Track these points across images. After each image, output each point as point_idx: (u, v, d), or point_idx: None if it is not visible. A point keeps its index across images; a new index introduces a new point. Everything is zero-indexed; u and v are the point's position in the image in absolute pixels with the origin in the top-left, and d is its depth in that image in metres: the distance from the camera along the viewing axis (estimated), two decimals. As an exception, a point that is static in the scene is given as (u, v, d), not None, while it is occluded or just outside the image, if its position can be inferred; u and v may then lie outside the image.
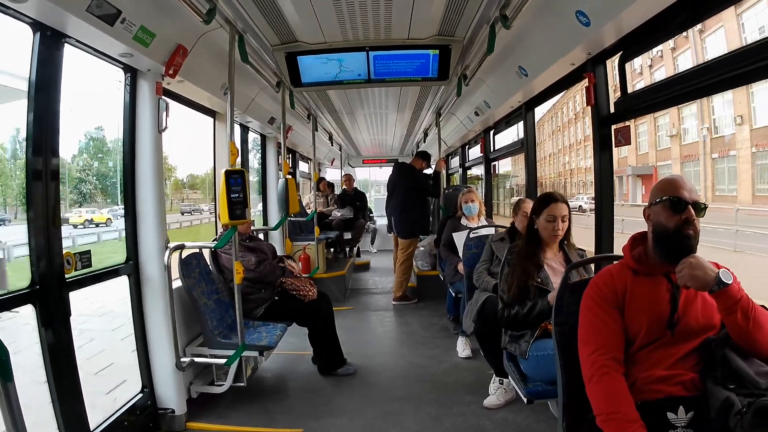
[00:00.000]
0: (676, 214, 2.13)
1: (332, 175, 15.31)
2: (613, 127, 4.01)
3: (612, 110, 4.00)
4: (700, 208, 2.14)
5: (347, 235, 10.31)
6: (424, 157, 8.11)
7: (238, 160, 3.94)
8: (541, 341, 3.21)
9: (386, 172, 8.69)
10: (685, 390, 2.10)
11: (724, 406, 1.92)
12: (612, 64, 3.98)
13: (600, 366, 2.14)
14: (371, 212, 13.81)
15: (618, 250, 2.68)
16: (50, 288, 2.95)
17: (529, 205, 4.46)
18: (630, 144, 3.92)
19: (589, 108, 4.17)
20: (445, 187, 8.57)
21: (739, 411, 1.87)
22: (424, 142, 11.12)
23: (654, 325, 2.18)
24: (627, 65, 3.78)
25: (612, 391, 2.09)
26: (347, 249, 10.55)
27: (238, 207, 3.68)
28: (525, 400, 3.17)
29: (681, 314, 2.18)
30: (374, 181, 22.67)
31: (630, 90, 3.78)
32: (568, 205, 3.46)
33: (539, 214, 3.44)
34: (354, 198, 11.10)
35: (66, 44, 3.04)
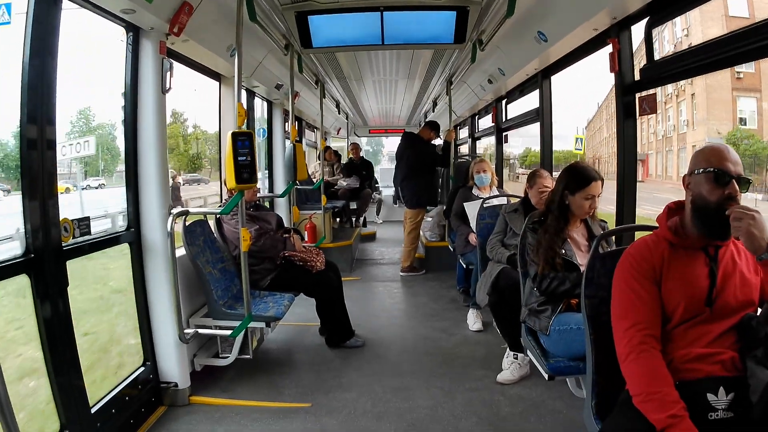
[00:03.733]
0: (719, 187, 1.99)
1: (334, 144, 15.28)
2: (638, 95, 3.85)
3: (637, 78, 3.83)
4: (744, 183, 2.00)
5: (353, 205, 10.27)
6: (433, 127, 7.98)
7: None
8: (563, 315, 3.08)
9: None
10: (725, 370, 1.99)
11: None
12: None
13: (637, 343, 2.01)
14: (377, 182, 13.70)
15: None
16: (46, 257, 2.80)
17: (546, 179, 4.33)
18: (655, 113, 3.78)
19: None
20: (453, 157, 8.44)
21: None
22: (433, 111, 11.00)
23: (692, 302, 2.06)
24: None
25: (651, 369, 1.97)
26: (353, 219, 10.49)
27: (245, 170, 3.54)
28: (546, 376, 3.06)
29: (719, 290, 2.07)
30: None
31: (657, 57, 3.61)
32: (603, 182, 3.31)
33: (575, 191, 3.25)
34: (360, 167, 11.00)
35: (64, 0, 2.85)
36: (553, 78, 5.58)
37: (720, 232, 2.00)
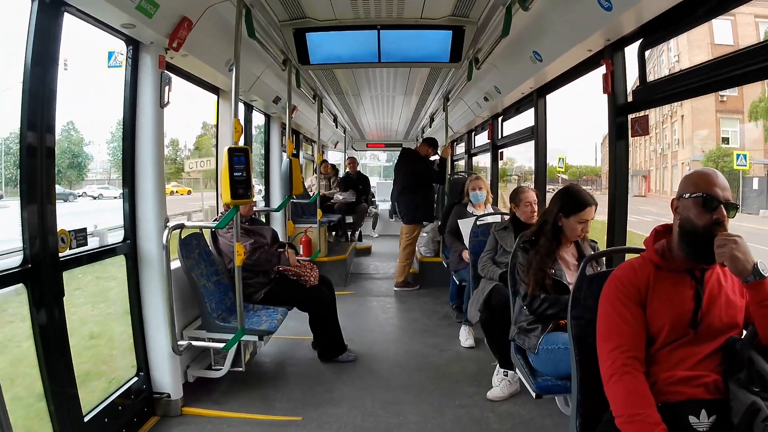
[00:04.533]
0: (707, 212, 2.02)
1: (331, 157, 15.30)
2: (630, 116, 3.88)
3: (630, 99, 3.87)
4: (732, 208, 2.03)
5: (349, 219, 10.25)
6: (431, 143, 7.99)
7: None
8: (552, 335, 3.11)
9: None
10: (708, 392, 2.02)
11: (750, 411, 1.83)
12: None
13: (621, 365, 2.04)
14: (374, 196, 13.70)
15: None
16: (43, 267, 2.82)
17: (528, 193, 4.42)
18: (648, 134, 3.82)
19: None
20: (449, 173, 8.46)
21: (767, 417, 1.78)
22: (430, 127, 11.00)
23: (677, 324, 2.09)
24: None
25: (633, 391, 1.99)
26: (349, 233, 10.47)
27: (240, 186, 3.57)
28: (534, 394, 3.08)
29: (705, 312, 2.09)
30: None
31: (649, 79, 3.65)
32: (596, 206, 3.35)
33: (569, 215, 3.29)
34: (357, 181, 11.01)
35: (66, 13, 2.90)
36: (570, 91, 5.59)
37: (706, 256, 2.01)
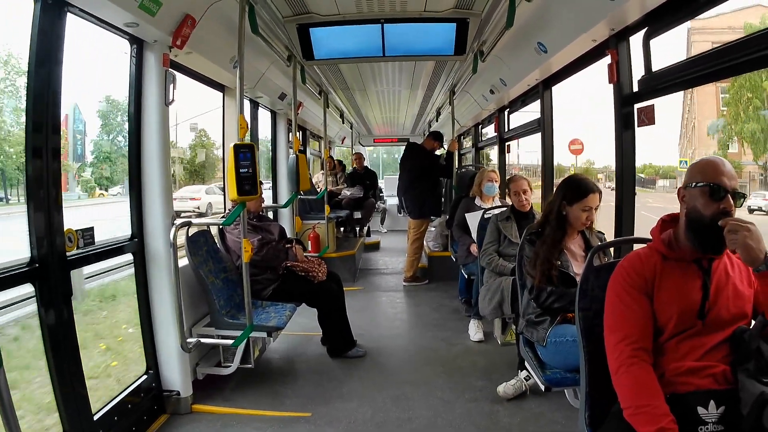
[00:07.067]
0: (714, 202, 1.99)
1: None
2: (636, 106, 3.85)
3: (635, 89, 3.84)
4: (739, 197, 2.00)
5: (357, 215, 10.22)
6: (437, 137, 7.96)
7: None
8: (559, 327, 3.10)
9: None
10: (716, 383, 1.99)
11: (759, 401, 1.81)
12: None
13: (628, 356, 2.02)
14: (381, 192, 13.68)
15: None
16: (51, 266, 2.83)
17: (519, 183, 4.50)
18: (654, 124, 3.79)
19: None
20: (456, 167, 8.43)
21: None
22: (437, 121, 10.97)
23: (684, 314, 2.06)
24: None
25: (641, 382, 1.97)
26: (357, 228, 10.46)
27: (247, 182, 3.55)
28: (543, 387, 3.07)
29: (712, 303, 2.07)
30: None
31: (654, 68, 3.63)
32: (601, 194, 3.34)
33: (572, 203, 3.28)
34: (364, 177, 10.99)
35: (68, 13, 2.89)
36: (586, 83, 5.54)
37: (714, 246, 2.00)
